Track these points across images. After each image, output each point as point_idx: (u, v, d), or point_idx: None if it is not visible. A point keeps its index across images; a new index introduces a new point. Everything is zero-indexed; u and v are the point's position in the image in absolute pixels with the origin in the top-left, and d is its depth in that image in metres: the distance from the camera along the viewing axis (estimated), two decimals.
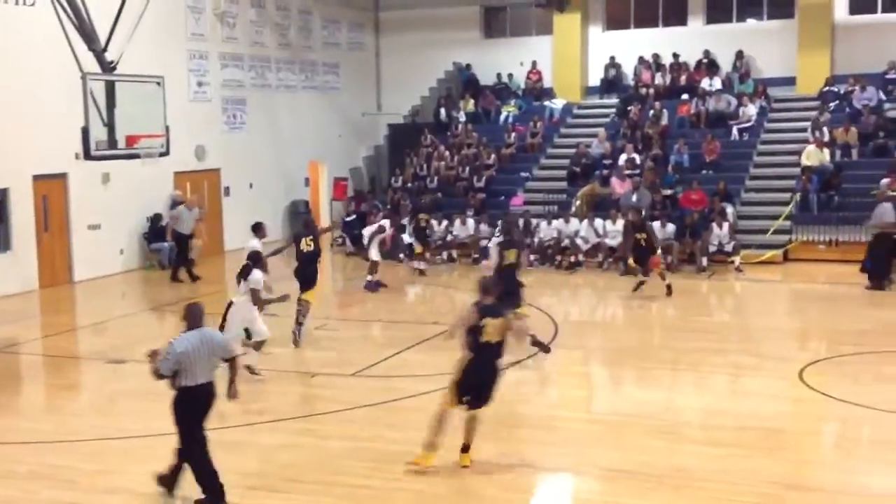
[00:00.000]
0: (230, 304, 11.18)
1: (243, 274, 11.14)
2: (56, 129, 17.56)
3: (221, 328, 10.78)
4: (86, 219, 19.36)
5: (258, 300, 10.98)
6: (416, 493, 7.92)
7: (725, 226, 19.11)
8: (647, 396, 10.96)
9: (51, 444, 9.38)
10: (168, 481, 7.76)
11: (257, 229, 13.62)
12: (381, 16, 29.51)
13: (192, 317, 7.67)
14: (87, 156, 14.13)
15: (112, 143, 14.06)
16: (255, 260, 11.23)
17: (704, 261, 18.93)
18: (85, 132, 13.81)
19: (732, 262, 18.89)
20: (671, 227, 19.28)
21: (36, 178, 18.26)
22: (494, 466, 8.43)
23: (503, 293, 11.98)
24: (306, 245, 13.40)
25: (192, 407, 7.58)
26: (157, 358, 7.55)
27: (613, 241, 19.40)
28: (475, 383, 8.24)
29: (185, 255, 19.23)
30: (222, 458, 8.87)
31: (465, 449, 8.44)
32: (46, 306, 17.26)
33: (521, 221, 20.49)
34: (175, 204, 20.59)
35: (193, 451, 7.62)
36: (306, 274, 13.38)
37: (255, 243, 14.03)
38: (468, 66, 28.79)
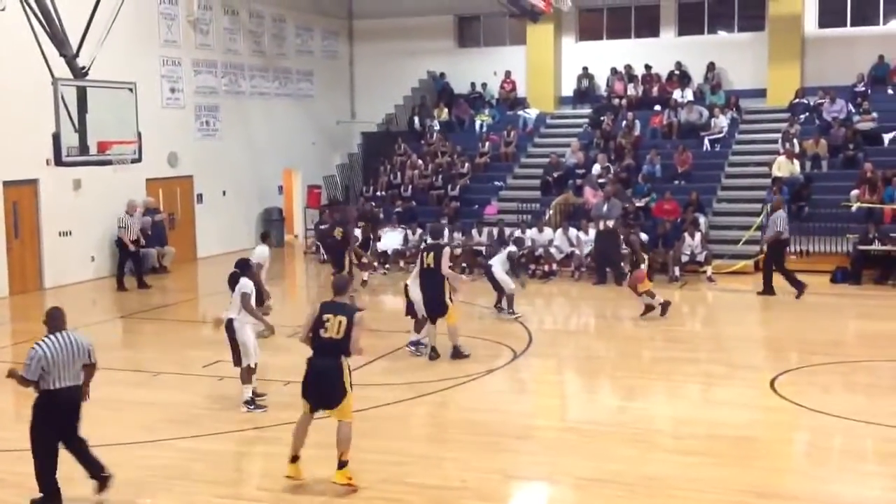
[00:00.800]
0: (230, 322, 10.54)
1: (232, 282, 10.81)
2: (27, 135, 17.38)
3: (237, 355, 10.50)
4: (57, 225, 19.18)
5: (248, 307, 10.51)
6: (391, 501, 7.89)
7: (697, 236, 19.27)
8: (619, 405, 11.01)
9: (19, 452, 9.24)
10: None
11: (265, 237, 14.29)
12: (355, 24, 29.52)
13: (52, 320, 7.72)
14: (59, 162, 13.96)
15: (83, 149, 13.90)
16: (244, 267, 10.96)
17: (677, 270, 19.06)
18: (56, 138, 13.64)
19: (704, 271, 19.05)
20: (644, 236, 19.39)
21: (6, 184, 18.08)
22: (469, 475, 8.42)
23: (425, 297, 12.26)
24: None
25: (52, 410, 7.61)
26: (18, 371, 7.65)
27: (586, 250, 19.52)
28: (313, 381, 8.13)
29: (123, 263, 19.16)
30: (193, 467, 8.78)
31: (340, 465, 7.96)
32: (16, 313, 17.07)
33: (495, 230, 20.59)
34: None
35: (39, 451, 7.66)
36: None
37: (262, 250, 14.03)
38: (442, 74, 28.85)
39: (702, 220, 20.17)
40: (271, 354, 12.92)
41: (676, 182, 22.02)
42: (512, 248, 15.99)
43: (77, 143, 13.88)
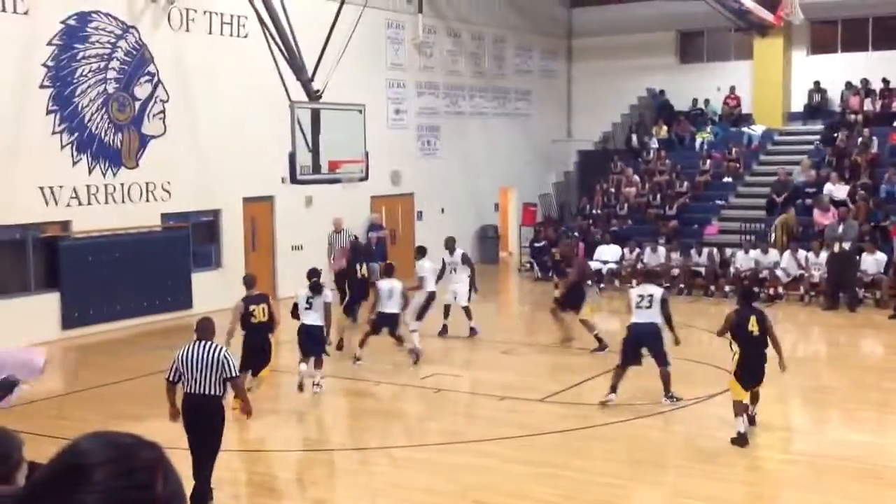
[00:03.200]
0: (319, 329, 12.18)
1: (315, 291, 12.22)
2: (264, 155, 18.60)
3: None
4: (290, 239, 20.36)
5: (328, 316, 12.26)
6: None
7: None
8: (852, 438, 10.34)
9: (259, 454, 9.85)
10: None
11: (421, 252, 14.98)
12: (574, 42, 29.53)
13: (199, 329, 8.30)
14: (294, 180, 14.85)
15: (316, 167, 14.72)
16: (318, 274, 12.53)
17: None
18: (292, 157, 14.53)
19: None
20: (881, 256, 18.11)
21: (246, 200, 19.41)
22: (684, 502, 8.18)
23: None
24: None
25: (185, 413, 8.00)
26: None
27: (816, 273, 18.47)
28: (250, 355, 10.96)
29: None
30: (411, 476, 9.06)
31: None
32: None
33: (715, 251, 19.89)
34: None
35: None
36: None
37: (425, 264, 14.52)
38: (662, 91, 28.29)
39: None
40: (484, 371, 13.12)
41: None
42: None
43: (310, 163, 14.73)
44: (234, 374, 8.09)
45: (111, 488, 1.51)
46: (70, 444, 1.58)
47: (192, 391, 7.94)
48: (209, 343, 8.07)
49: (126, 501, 1.51)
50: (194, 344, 8.07)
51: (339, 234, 19.08)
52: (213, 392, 7.92)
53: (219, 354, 7.98)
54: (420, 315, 14.54)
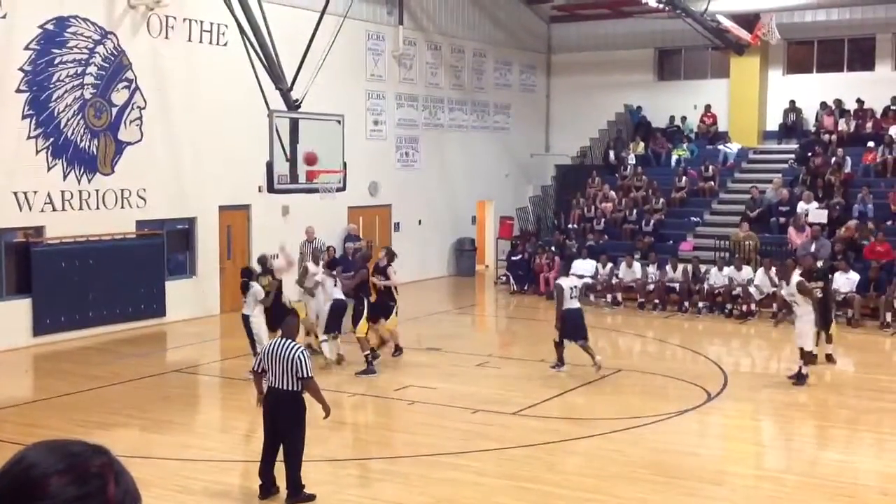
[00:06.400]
0: (246, 319, 13.30)
1: (243, 289, 13.45)
2: (242, 163, 18.54)
3: (254, 344, 12.97)
4: (265, 248, 20.20)
5: (267, 310, 13.19)
6: None
7: None
8: (822, 456, 10.41)
9: (224, 463, 9.81)
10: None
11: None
12: (553, 58, 29.69)
13: (284, 326, 8.96)
14: (271, 189, 14.79)
15: (293, 177, 14.67)
16: (249, 274, 13.68)
17: (889, 316, 17.85)
18: (269, 167, 14.48)
19: None
20: (854, 275, 18.28)
21: (222, 208, 19.32)
22: None
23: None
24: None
25: (265, 405, 8.59)
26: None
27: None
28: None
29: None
30: (386, 488, 9.03)
31: None
32: (227, 330, 18.05)
33: (690, 267, 20.00)
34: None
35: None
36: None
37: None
38: (639, 108, 28.50)
39: None
40: (458, 384, 13.12)
41: (890, 222, 20.68)
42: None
43: (287, 172, 14.67)
44: (306, 375, 8.43)
45: (67, 498, 1.54)
46: (17, 456, 1.60)
47: (273, 385, 8.46)
48: (291, 341, 8.58)
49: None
50: (278, 341, 8.66)
51: (311, 243, 18.95)
52: (290, 387, 8.38)
53: (295, 354, 8.42)
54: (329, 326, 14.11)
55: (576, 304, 13.89)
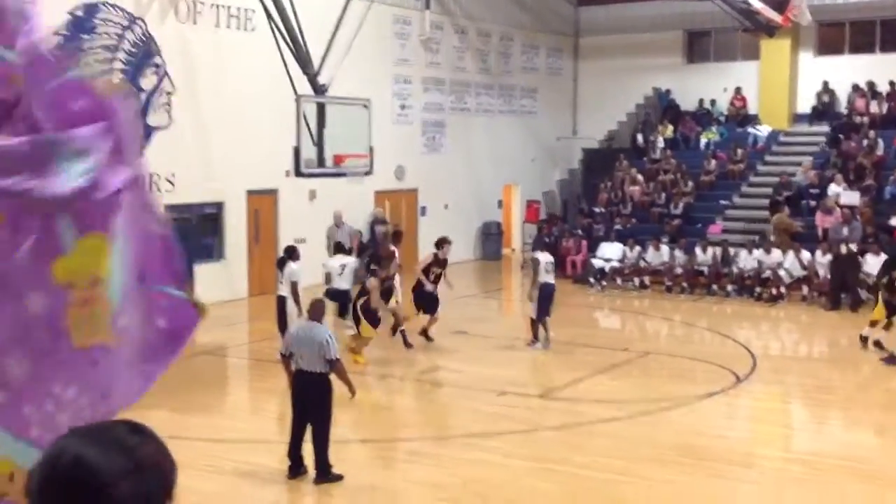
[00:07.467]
0: (282, 300, 13.17)
1: (280, 266, 13.28)
2: (269, 148, 18.60)
3: (283, 325, 12.65)
4: (293, 232, 20.34)
5: (295, 293, 12.83)
6: None
7: None
8: (852, 439, 10.33)
9: (253, 444, 9.90)
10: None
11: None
12: (581, 41, 29.49)
13: (312, 309, 8.99)
14: (298, 173, 14.87)
15: (321, 161, 14.73)
16: (291, 252, 13.29)
17: None
18: (296, 151, 14.55)
19: None
20: (885, 258, 18.04)
21: (250, 192, 19.42)
22: (685, 500, 8.17)
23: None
24: None
25: (294, 387, 8.66)
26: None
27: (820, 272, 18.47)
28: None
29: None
30: (414, 469, 9.07)
31: None
32: (254, 313, 18.23)
33: (719, 250, 19.89)
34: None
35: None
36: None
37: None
38: (668, 91, 28.26)
39: None
40: (485, 367, 13.14)
41: None
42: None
43: (315, 156, 14.73)
44: (333, 357, 8.53)
45: (135, 498, 1.54)
46: (69, 456, 1.56)
47: (301, 367, 8.56)
48: (317, 324, 8.71)
49: (148, 502, 1.56)
50: (305, 324, 8.90)
51: (340, 227, 19.05)
52: (317, 370, 8.48)
53: (322, 336, 8.51)
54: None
55: (551, 280, 14.12)
